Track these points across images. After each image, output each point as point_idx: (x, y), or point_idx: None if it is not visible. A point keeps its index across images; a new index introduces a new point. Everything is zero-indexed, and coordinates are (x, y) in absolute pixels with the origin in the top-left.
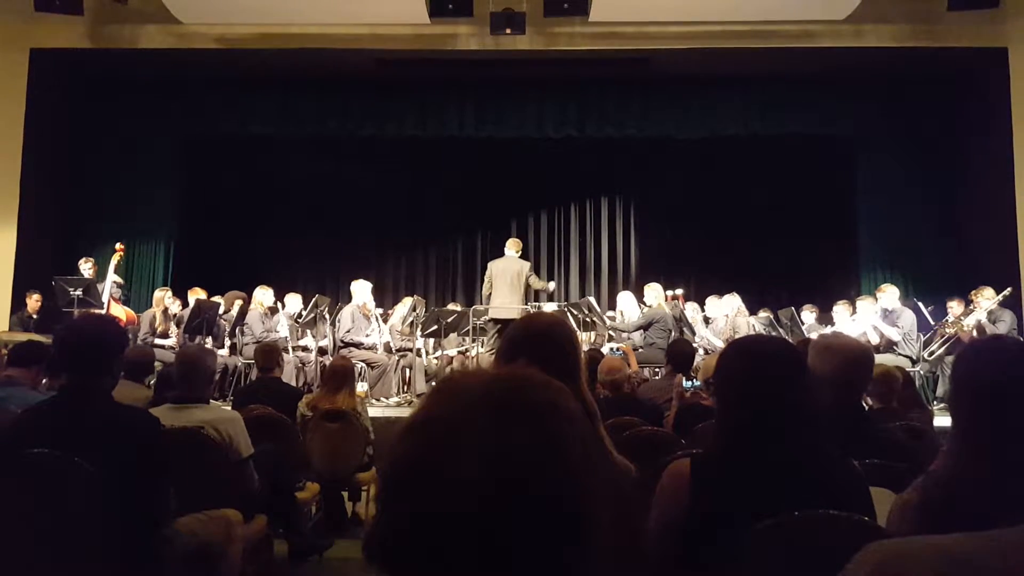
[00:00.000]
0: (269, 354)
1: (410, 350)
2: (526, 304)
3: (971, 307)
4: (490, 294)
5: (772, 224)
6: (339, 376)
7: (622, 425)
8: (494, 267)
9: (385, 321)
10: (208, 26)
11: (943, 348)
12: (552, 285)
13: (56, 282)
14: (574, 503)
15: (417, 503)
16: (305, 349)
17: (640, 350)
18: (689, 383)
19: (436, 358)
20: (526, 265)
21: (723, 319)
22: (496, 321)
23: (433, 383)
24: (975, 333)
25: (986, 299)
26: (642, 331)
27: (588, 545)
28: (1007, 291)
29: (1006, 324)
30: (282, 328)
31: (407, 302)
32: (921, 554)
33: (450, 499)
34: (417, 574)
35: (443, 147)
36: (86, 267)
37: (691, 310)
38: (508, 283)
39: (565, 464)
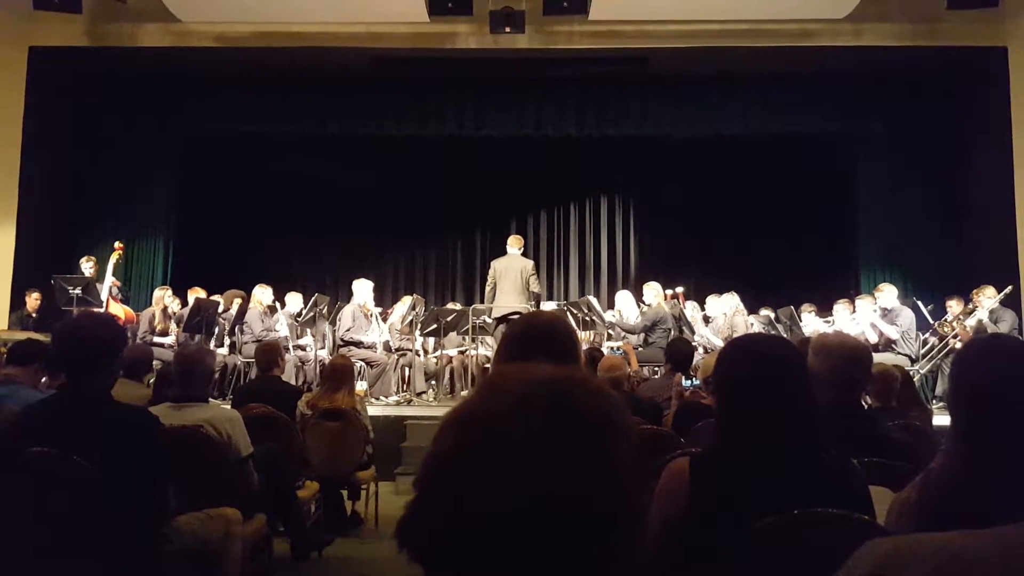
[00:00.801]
0: (269, 353)
1: (409, 349)
2: (529, 302)
3: (970, 306)
4: (493, 292)
5: (771, 223)
6: (338, 375)
7: None
8: (497, 265)
9: (384, 320)
10: (207, 24)
11: (942, 345)
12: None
13: (55, 281)
14: (616, 511)
15: (459, 497)
16: (305, 348)
17: (639, 349)
18: (688, 382)
19: (435, 357)
20: (528, 263)
21: (722, 318)
22: (500, 320)
23: (432, 382)
24: (975, 334)
25: (988, 298)
26: (647, 332)
27: (625, 553)
28: (1008, 289)
29: (1007, 324)
30: (281, 327)
31: (406, 301)
32: (920, 551)
33: (493, 496)
34: (450, 566)
35: (442, 146)
36: (87, 266)
37: (690, 309)
38: (511, 281)
39: (612, 473)
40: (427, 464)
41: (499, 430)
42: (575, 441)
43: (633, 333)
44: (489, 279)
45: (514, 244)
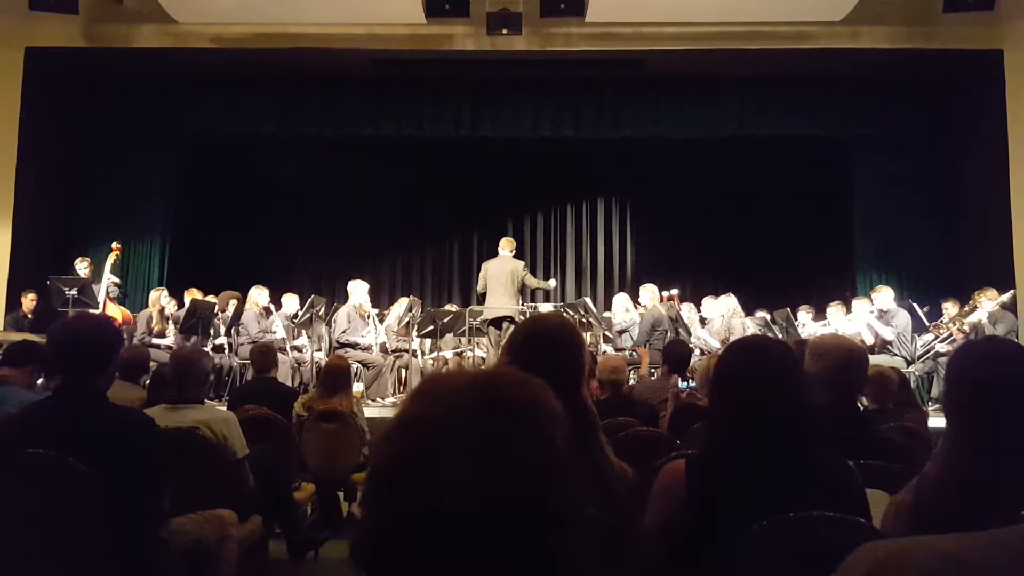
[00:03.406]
0: (265, 354)
1: (406, 351)
2: (520, 304)
3: (967, 308)
4: (484, 293)
5: (768, 225)
6: (335, 376)
7: (618, 426)
8: (488, 267)
9: (381, 321)
10: (204, 25)
11: (939, 347)
12: (552, 283)
13: (51, 282)
14: (561, 499)
15: (408, 503)
16: (301, 349)
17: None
18: (684, 383)
19: (432, 359)
20: (520, 264)
21: (719, 320)
22: (490, 321)
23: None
24: (974, 334)
25: (988, 300)
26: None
27: (573, 542)
28: (1011, 293)
29: (1004, 326)
30: (278, 328)
31: (403, 302)
32: (915, 555)
33: (442, 498)
34: (409, 573)
35: (439, 147)
36: (82, 267)
37: (687, 310)
38: (502, 283)
39: (553, 461)
40: (371, 476)
41: (439, 431)
42: (509, 430)
43: (638, 343)
44: (480, 280)
45: (506, 246)
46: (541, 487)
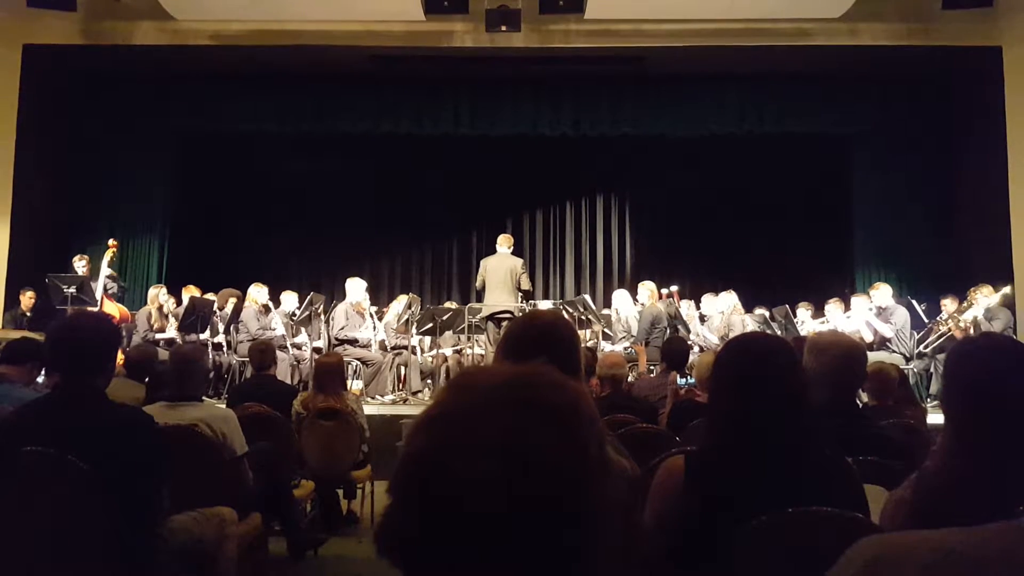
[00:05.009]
0: (264, 352)
1: (405, 348)
2: (519, 301)
3: (965, 303)
4: (482, 290)
5: (767, 222)
6: (327, 373)
7: (617, 422)
8: (487, 263)
9: (380, 319)
10: (202, 22)
11: (937, 343)
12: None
13: (49, 279)
14: (589, 503)
15: (434, 498)
16: (301, 347)
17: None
18: (683, 380)
19: (431, 356)
20: (519, 262)
21: (719, 316)
22: (489, 318)
23: (428, 381)
24: (971, 331)
25: (984, 296)
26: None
27: (597, 546)
28: (1006, 289)
29: (1001, 322)
30: (277, 326)
31: (402, 299)
32: (912, 548)
33: (468, 495)
34: (429, 567)
35: (438, 145)
36: (80, 264)
37: (686, 307)
38: (500, 280)
39: (584, 465)
40: (399, 467)
41: (467, 429)
42: (534, 430)
43: (639, 341)
44: (478, 277)
45: (504, 243)
46: (564, 489)
